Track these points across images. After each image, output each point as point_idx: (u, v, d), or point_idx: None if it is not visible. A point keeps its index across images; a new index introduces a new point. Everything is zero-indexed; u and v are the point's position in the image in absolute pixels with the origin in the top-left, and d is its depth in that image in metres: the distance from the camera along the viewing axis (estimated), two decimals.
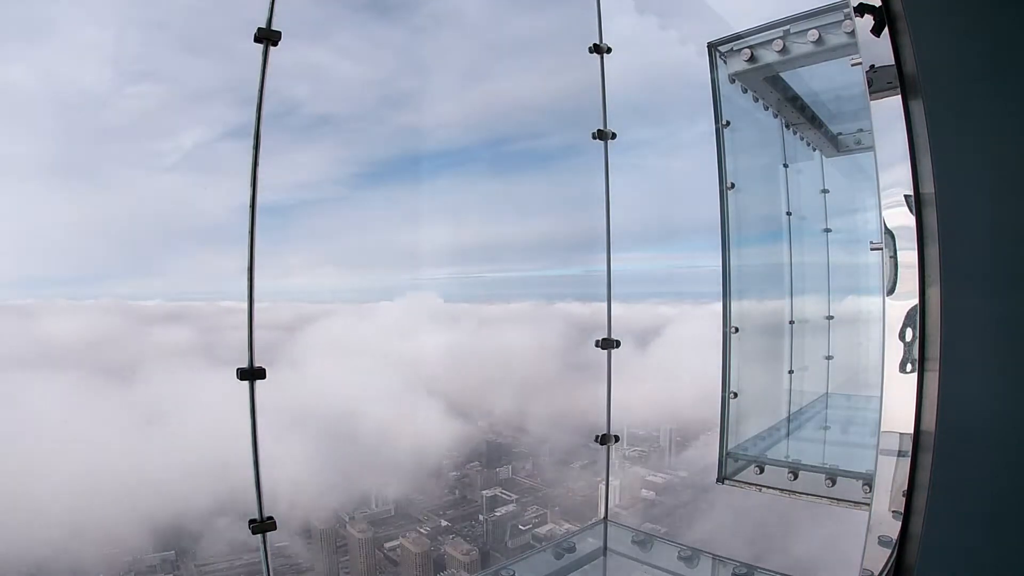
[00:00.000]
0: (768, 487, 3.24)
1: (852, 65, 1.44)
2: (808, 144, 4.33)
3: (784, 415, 4.02)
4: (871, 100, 1.39)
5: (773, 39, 3.17)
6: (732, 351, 3.45)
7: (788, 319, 4.10)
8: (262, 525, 2.01)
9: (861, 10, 1.38)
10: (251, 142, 2.05)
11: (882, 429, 1.40)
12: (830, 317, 4.50)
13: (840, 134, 4.35)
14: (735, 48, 3.35)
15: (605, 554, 3.15)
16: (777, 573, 2.67)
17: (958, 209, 1.25)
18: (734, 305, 3.46)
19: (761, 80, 3.52)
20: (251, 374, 1.99)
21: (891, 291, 1.37)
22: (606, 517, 3.22)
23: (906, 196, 1.33)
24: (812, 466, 3.21)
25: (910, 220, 1.32)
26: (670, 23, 3.41)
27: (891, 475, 1.38)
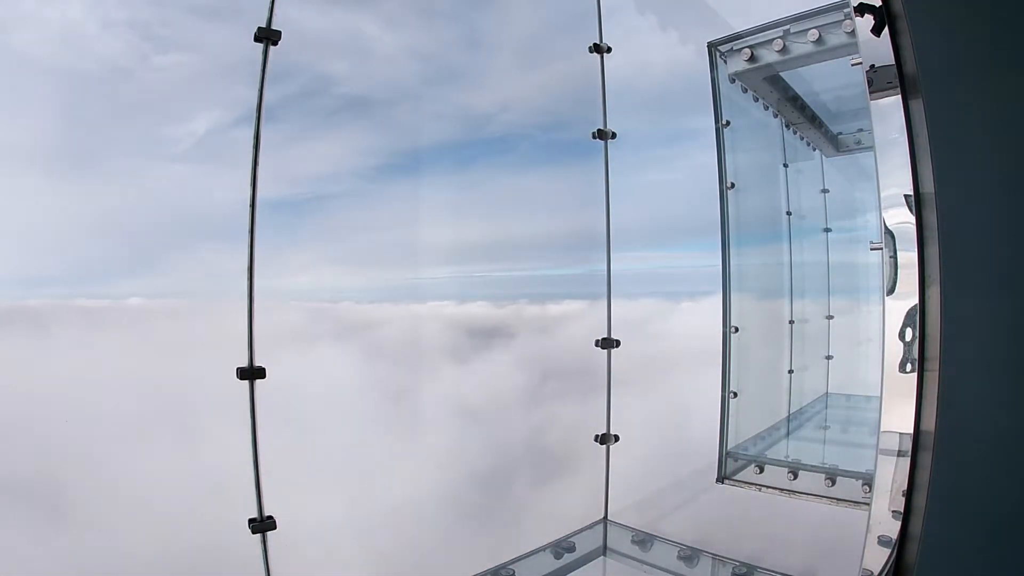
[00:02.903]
0: (768, 487, 3.24)
1: (852, 65, 1.44)
2: (808, 144, 4.32)
3: (784, 415, 4.02)
4: (871, 100, 1.39)
5: (773, 39, 3.16)
6: (732, 351, 3.45)
7: (788, 319, 4.10)
8: (262, 525, 2.02)
9: (861, 10, 1.38)
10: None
11: (882, 429, 1.40)
12: (830, 317, 4.50)
13: (840, 134, 4.35)
14: (735, 48, 3.35)
15: (605, 553, 3.15)
16: (777, 573, 2.67)
17: (958, 209, 1.24)
18: (734, 305, 3.46)
19: (761, 80, 3.52)
20: (251, 374, 1.99)
21: (891, 291, 1.37)
22: (606, 517, 3.22)
23: (906, 196, 1.33)
24: (812, 466, 3.21)
25: (910, 220, 1.32)
26: (669, 23, 3.41)
27: (891, 475, 1.38)
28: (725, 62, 3.41)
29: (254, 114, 2.02)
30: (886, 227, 1.37)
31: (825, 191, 4.50)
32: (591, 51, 3.27)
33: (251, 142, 2.01)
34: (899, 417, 1.34)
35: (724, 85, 3.44)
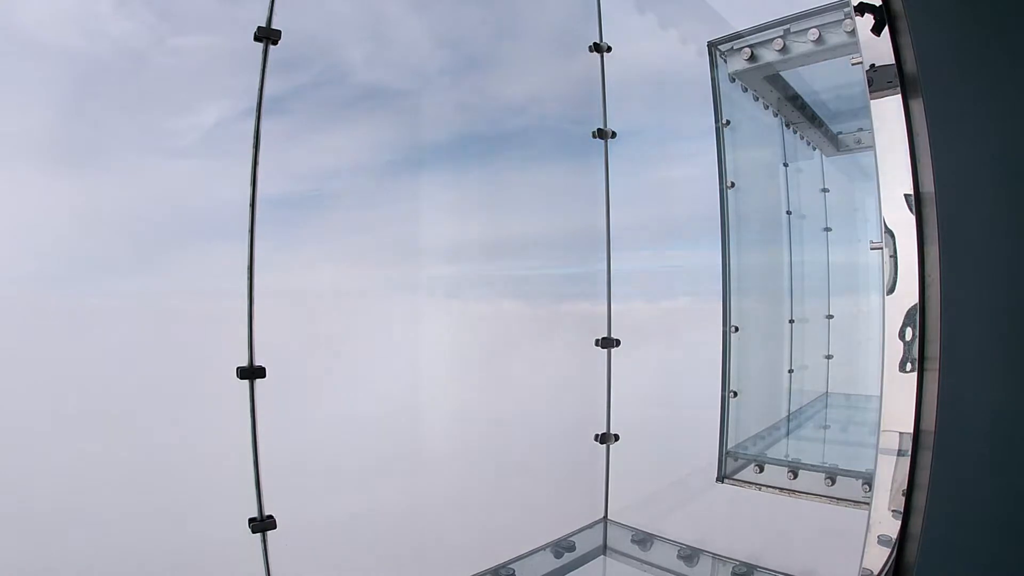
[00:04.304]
0: (768, 486, 3.25)
1: (852, 64, 1.44)
2: (808, 143, 4.32)
3: (784, 414, 4.03)
4: (871, 99, 1.39)
5: (773, 38, 3.17)
6: (732, 350, 3.45)
7: (788, 318, 4.10)
8: (262, 524, 2.02)
9: (861, 9, 1.38)
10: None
11: (882, 428, 1.40)
12: (830, 316, 4.50)
13: (840, 133, 4.35)
14: (735, 47, 3.35)
15: (605, 553, 3.15)
16: (777, 572, 2.67)
17: (958, 208, 1.24)
18: (734, 304, 3.46)
19: (761, 79, 3.52)
20: (251, 373, 2.00)
21: (891, 290, 1.37)
22: (606, 516, 3.22)
23: (906, 195, 1.33)
24: (812, 465, 3.21)
25: (910, 219, 1.32)
26: (670, 22, 3.40)
27: (891, 474, 1.38)
28: (725, 61, 3.41)
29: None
30: (886, 226, 1.37)
31: (825, 190, 4.50)
32: (591, 50, 3.27)
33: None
34: (899, 417, 1.34)
35: (724, 84, 3.45)
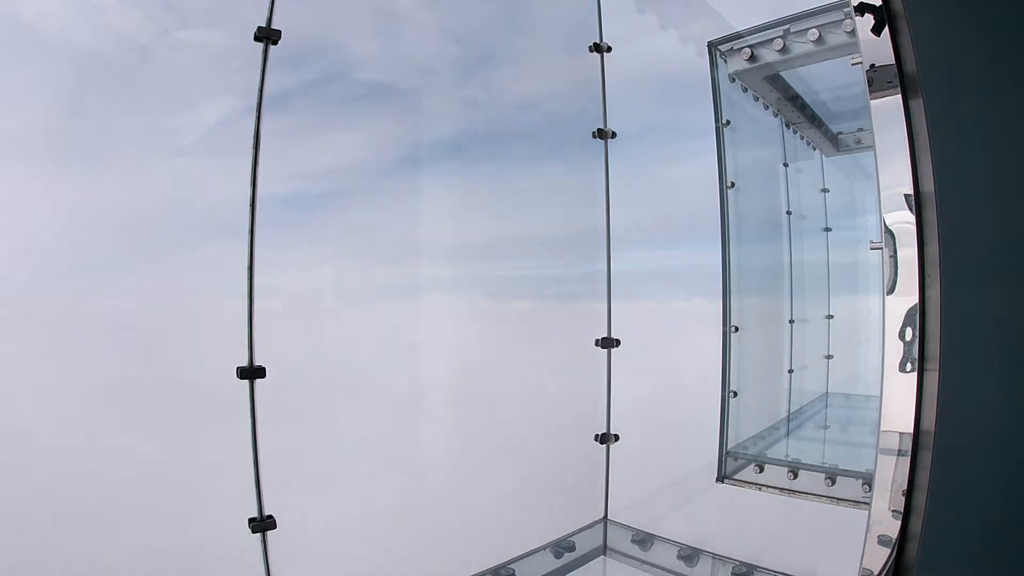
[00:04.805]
0: (768, 486, 3.25)
1: (852, 64, 1.44)
2: (808, 143, 4.32)
3: (784, 414, 4.03)
4: (871, 99, 1.39)
5: (773, 38, 3.17)
6: (732, 350, 3.45)
7: (788, 319, 4.10)
8: (262, 524, 2.02)
9: (861, 9, 1.38)
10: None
11: (881, 428, 1.40)
12: (830, 316, 4.50)
13: (840, 133, 4.35)
14: (735, 47, 3.35)
15: (605, 553, 3.15)
16: (777, 572, 2.67)
17: (958, 208, 1.25)
18: (734, 304, 3.46)
19: (761, 79, 3.52)
20: (251, 373, 2.00)
21: (891, 290, 1.37)
22: (606, 516, 3.22)
23: (906, 195, 1.33)
24: (812, 465, 3.21)
25: (910, 219, 1.32)
26: (670, 22, 3.40)
27: (891, 474, 1.38)
28: (725, 61, 3.41)
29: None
30: (886, 226, 1.37)
31: (825, 190, 4.50)
32: (591, 50, 3.27)
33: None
34: (899, 417, 1.35)
35: (724, 84, 3.45)
